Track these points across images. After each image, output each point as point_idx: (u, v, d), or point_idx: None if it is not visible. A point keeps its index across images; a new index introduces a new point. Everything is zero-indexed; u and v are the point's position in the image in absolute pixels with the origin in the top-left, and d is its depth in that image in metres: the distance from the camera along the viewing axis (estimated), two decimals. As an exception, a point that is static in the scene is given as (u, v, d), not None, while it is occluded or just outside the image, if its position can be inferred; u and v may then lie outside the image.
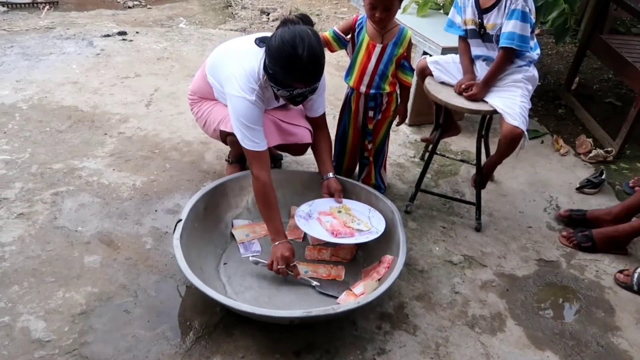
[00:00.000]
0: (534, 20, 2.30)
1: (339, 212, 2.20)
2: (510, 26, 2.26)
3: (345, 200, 2.26)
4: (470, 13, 2.40)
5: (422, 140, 2.94)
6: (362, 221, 2.15)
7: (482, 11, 2.35)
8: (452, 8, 2.51)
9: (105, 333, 1.84)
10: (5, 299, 1.92)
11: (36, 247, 2.15)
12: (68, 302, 1.93)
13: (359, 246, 2.29)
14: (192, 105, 2.47)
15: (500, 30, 2.31)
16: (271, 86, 2.02)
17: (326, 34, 2.32)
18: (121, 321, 1.89)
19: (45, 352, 1.75)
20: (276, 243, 2.01)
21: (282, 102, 2.27)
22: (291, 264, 2.01)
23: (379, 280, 2.00)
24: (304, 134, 2.35)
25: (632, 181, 3.00)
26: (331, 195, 2.25)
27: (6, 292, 1.94)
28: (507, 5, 2.27)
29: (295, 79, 1.91)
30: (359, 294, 2.00)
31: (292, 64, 1.86)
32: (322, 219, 2.16)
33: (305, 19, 1.98)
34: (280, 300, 2.01)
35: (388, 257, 2.07)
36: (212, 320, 1.92)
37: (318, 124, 2.35)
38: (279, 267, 1.99)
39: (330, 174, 2.28)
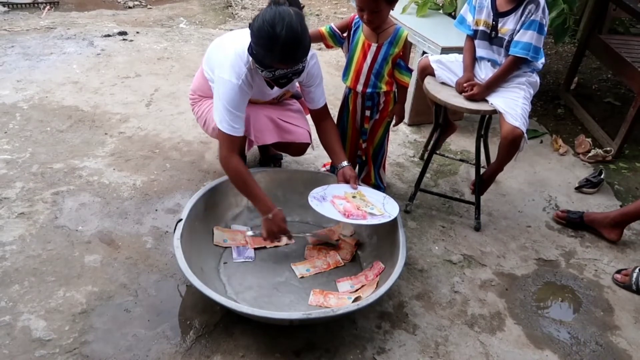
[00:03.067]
0: (546, 32, 2.32)
1: (354, 197, 2.20)
2: (527, 37, 2.27)
3: (360, 187, 2.26)
4: (485, 14, 2.40)
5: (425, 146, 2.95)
6: (376, 206, 2.15)
7: (498, 14, 2.35)
8: (465, 5, 2.50)
9: (105, 332, 1.84)
10: (6, 298, 1.92)
11: (37, 247, 2.15)
12: (68, 301, 1.94)
13: (358, 247, 2.29)
14: (193, 105, 2.48)
15: (512, 36, 2.32)
16: (256, 68, 2.01)
17: (322, 29, 2.32)
18: (121, 320, 1.89)
19: (46, 351, 1.76)
20: (269, 216, 2.02)
21: (277, 91, 2.25)
22: (287, 235, 2.06)
23: (357, 290, 2.05)
24: (302, 133, 2.35)
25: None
26: (347, 182, 2.25)
27: (7, 291, 1.95)
28: (526, 14, 2.27)
29: (275, 58, 1.90)
30: (343, 291, 2.04)
31: (270, 43, 1.85)
32: (336, 202, 2.15)
33: (292, 1, 1.96)
34: (280, 301, 2.01)
35: (380, 265, 2.09)
36: (212, 319, 1.93)
37: (321, 114, 2.34)
38: (276, 242, 2.04)
39: (345, 162, 2.26)
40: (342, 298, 2.01)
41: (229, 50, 2.07)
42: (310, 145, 2.45)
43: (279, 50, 1.86)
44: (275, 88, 2.22)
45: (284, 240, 2.20)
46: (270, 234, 2.06)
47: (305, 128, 2.38)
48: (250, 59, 2.01)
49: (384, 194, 2.24)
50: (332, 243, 2.30)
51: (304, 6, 2.01)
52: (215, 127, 2.33)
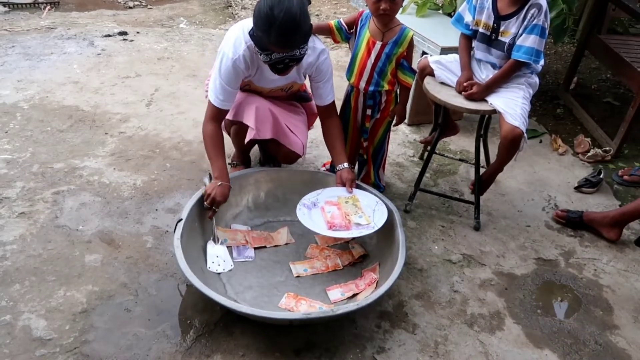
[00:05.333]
0: (547, 35, 2.32)
1: (346, 202, 2.21)
2: (530, 41, 2.26)
3: (355, 191, 2.26)
4: (485, 16, 2.39)
5: (422, 142, 2.95)
6: (365, 214, 2.16)
7: (499, 17, 2.34)
8: (465, 3, 2.49)
9: (106, 331, 1.85)
10: (6, 297, 1.93)
11: (37, 246, 2.16)
12: (69, 300, 1.95)
13: (363, 258, 2.27)
14: (207, 92, 2.48)
15: (514, 39, 2.31)
16: (255, 52, 2.03)
17: (332, 22, 2.34)
18: (122, 319, 1.90)
19: (46, 350, 1.76)
20: (218, 183, 2.10)
21: (280, 79, 2.24)
22: (215, 207, 2.11)
23: (348, 298, 2.04)
24: (296, 142, 2.34)
25: (621, 171, 3.07)
26: (344, 184, 2.26)
27: (7, 290, 1.95)
28: (528, 18, 2.26)
29: (271, 40, 1.91)
30: (333, 300, 2.03)
31: (267, 25, 1.87)
32: (326, 209, 2.17)
33: None
34: (280, 300, 2.01)
35: (373, 276, 2.08)
36: (212, 318, 1.93)
37: (328, 112, 2.34)
38: (206, 203, 2.10)
39: (344, 165, 2.27)
40: (313, 306, 1.97)
41: (237, 28, 2.11)
42: (323, 135, 2.43)
43: (275, 32, 1.87)
44: (279, 76, 2.21)
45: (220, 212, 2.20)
46: (208, 195, 2.09)
47: (301, 140, 2.37)
48: (250, 40, 2.02)
49: (377, 199, 2.23)
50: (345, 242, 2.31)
51: (310, 1, 2.01)
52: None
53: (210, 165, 2.17)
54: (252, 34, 1.98)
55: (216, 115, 2.17)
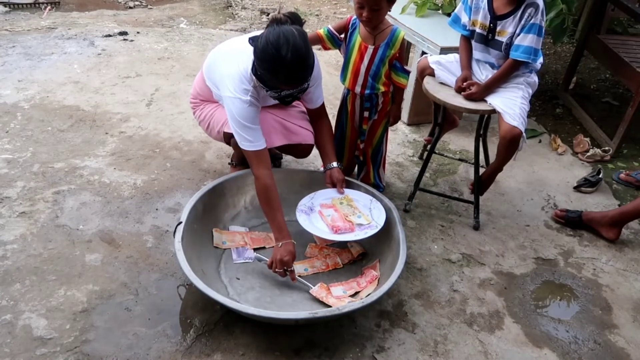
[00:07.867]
0: (544, 34, 2.32)
1: (341, 203, 2.21)
2: (528, 40, 2.27)
3: (347, 190, 2.27)
4: (481, 16, 2.39)
5: (426, 140, 2.96)
6: (363, 214, 2.17)
7: (495, 17, 2.35)
8: (460, 4, 2.49)
9: (106, 331, 1.86)
10: (7, 297, 1.93)
11: (38, 246, 2.16)
12: (69, 300, 1.95)
13: (362, 256, 2.28)
14: (195, 109, 2.47)
15: (511, 39, 2.32)
16: (260, 87, 2.01)
17: (320, 31, 2.33)
18: (122, 319, 1.90)
19: (47, 349, 1.77)
20: (279, 244, 1.99)
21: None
22: (289, 269, 2.00)
23: (353, 294, 2.04)
24: (307, 135, 2.36)
25: (624, 174, 3.06)
26: (334, 185, 2.27)
27: (8, 290, 1.96)
28: (525, 17, 2.26)
29: (281, 81, 1.90)
30: (336, 296, 2.03)
31: (276, 66, 1.85)
32: (324, 212, 2.18)
33: (294, 18, 1.95)
34: (282, 301, 2.02)
35: (373, 273, 2.09)
36: (212, 318, 1.94)
37: (319, 114, 2.34)
38: (277, 269, 1.99)
39: (333, 164, 2.27)
40: (343, 300, 1.99)
41: (231, 68, 2.05)
42: (315, 146, 2.45)
43: (284, 73, 1.86)
44: None
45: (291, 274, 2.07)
46: (274, 262, 2.00)
47: (309, 130, 2.39)
48: (254, 77, 2.00)
49: (370, 197, 2.24)
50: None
51: (305, 21, 2.01)
52: (220, 130, 2.34)
53: (269, 223, 2.06)
54: (256, 73, 1.94)
55: (259, 158, 2.05)
